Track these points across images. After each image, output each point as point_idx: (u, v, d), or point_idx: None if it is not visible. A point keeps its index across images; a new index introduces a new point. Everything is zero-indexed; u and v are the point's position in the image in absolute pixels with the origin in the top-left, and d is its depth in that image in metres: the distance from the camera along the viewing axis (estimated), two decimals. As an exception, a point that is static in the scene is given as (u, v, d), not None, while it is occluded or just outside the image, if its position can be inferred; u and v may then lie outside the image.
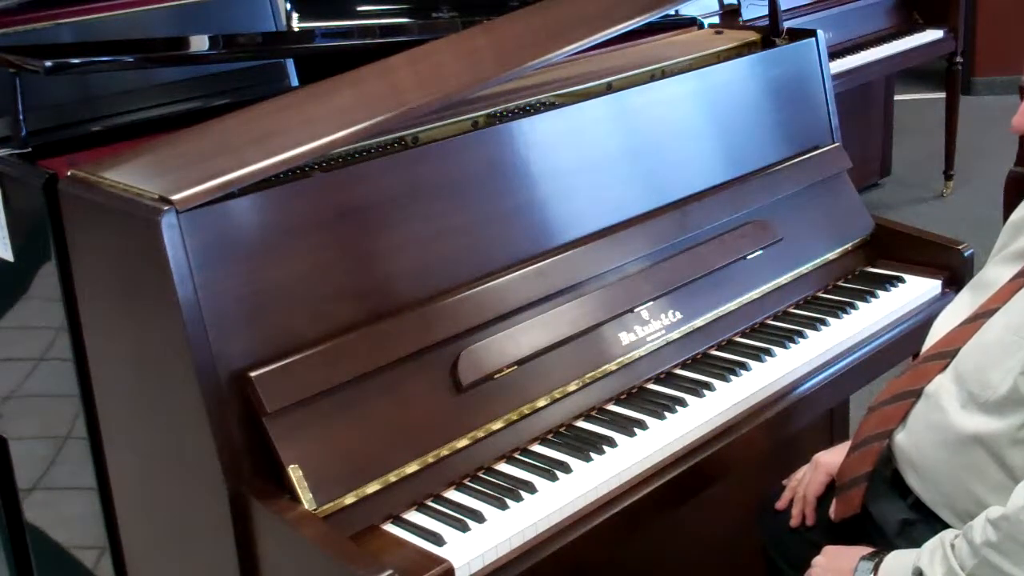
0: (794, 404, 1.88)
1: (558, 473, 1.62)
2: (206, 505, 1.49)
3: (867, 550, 1.52)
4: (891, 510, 1.62)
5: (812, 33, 2.36)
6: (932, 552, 1.41)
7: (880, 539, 1.61)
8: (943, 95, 5.06)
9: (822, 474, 1.77)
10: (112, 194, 1.52)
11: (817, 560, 1.57)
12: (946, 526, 1.52)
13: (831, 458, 1.76)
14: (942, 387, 1.56)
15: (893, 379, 1.67)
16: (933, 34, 4.72)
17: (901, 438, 1.60)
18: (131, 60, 2.00)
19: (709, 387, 1.83)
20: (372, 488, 1.52)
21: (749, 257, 2.06)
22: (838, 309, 2.08)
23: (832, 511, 1.69)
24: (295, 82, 2.34)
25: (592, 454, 1.66)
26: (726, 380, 1.85)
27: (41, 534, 2.04)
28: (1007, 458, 1.46)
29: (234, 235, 1.51)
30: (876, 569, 1.47)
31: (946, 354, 1.59)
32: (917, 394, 1.59)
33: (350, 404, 1.53)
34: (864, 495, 1.64)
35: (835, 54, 4.20)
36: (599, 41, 1.95)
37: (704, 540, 2.20)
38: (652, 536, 2.04)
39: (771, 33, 2.37)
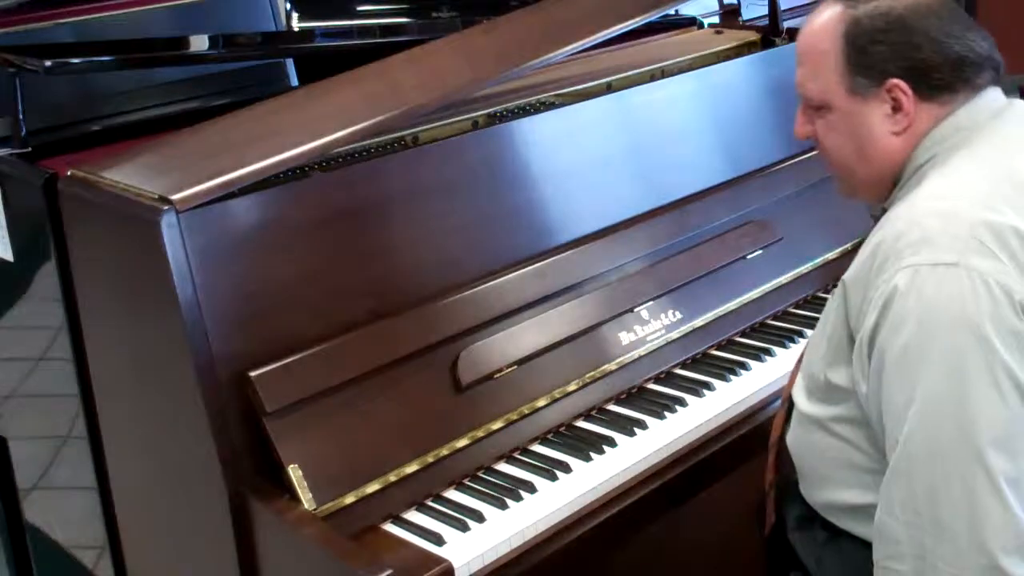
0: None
1: (558, 473, 1.62)
2: (206, 505, 1.49)
3: None
4: (792, 507, 1.63)
5: (812, 33, 2.36)
6: None
7: (785, 534, 1.62)
8: (943, 95, 5.04)
9: None
10: (112, 194, 1.52)
11: None
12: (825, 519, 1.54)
13: None
14: (797, 383, 1.58)
15: None
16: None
17: (788, 441, 1.61)
18: (131, 60, 2.00)
19: (709, 387, 1.83)
20: (372, 488, 1.52)
21: (749, 257, 2.06)
22: (838, 309, 2.08)
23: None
24: (295, 82, 2.34)
25: (592, 454, 1.66)
26: (726, 380, 1.85)
27: (41, 534, 2.04)
28: (842, 436, 1.47)
29: (234, 235, 1.51)
30: None
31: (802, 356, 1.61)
32: (789, 399, 1.61)
33: (350, 404, 1.53)
34: (777, 503, 1.65)
35: (835, 54, 4.19)
36: (599, 41, 1.95)
37: (704, 539, 2.19)
38: (652, 536, 2.04)
39: (771, 33, 2.37)
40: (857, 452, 1.44)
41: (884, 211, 1.48)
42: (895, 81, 1.39)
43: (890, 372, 1.31)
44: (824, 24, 1.44)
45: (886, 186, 1.47)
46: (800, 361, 1.62)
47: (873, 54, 1.40)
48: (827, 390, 1.46)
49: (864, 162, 1.46)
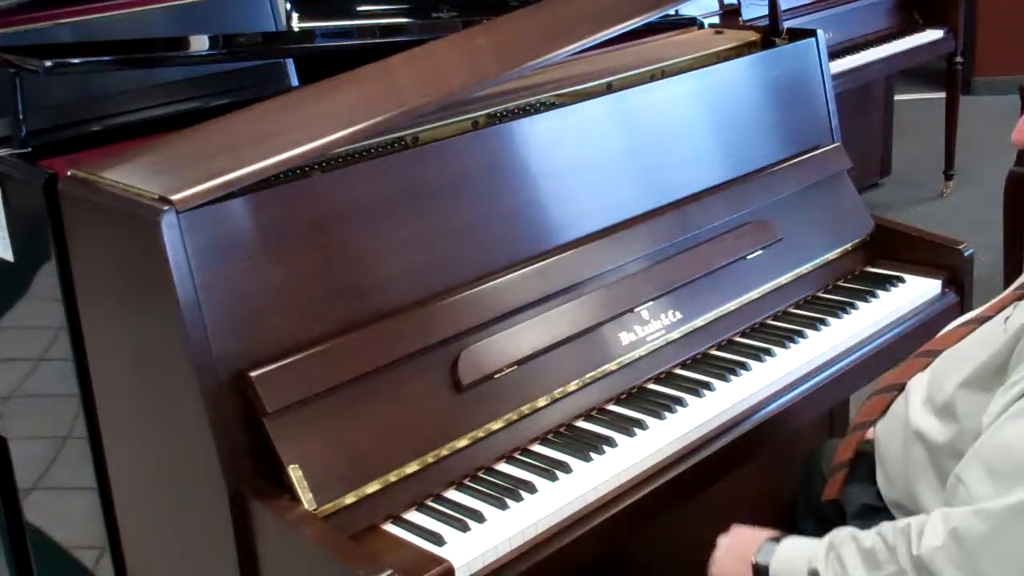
0: (794, 404, 1.88)
1: (558, 473, 1.62)
2: (206, 505, 1.49)
3: (775, 533, 1.52)
4: (857, 493, 1.63)
5: (812, 33, 2.36)
6: (827, 553, 1.40)
7: (840, 521, 1.62)
8: (943, 95, 5.05)
9: None
10: (112, 194, 1.52)
11: (720, 541, 1.58)
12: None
13: None
14: (917, 383, 1.56)
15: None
16: (933, 34, 4.72)
17: (879, 429, 1.60)
18: (131, 60, 2.00)
19: (709, 387, 1.83)
20: (372, 488, 1.52)
21: (749, 257, 2.06)
22: (838, 309, 2.08)
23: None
24: (295, 82, 2.34)
25: (592, 454, 1.66)
26: (726, 380, 1.85)
27: (41, 534, 2.04)
28: (943, 466, 1.46)
29: (234, 235, 1.51)
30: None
31: (932, 353, 1.59)
32: (900, 388, 1.60)
33: (350, 404, 1.53)
34: (844, 481, 1.64)
35: (835, 54, 4.20)
36: (599, 41, 1.95)
37: (704, 539, 2.19)
38: (652, 536, 2.04)
39: (771, 33, 2.37)
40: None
41: None
42: None
43: None
44: None
45: None
46: (916, 354, 1.60)
47: None
48: (947, 411, 1.44)
49: None
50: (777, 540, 1.49)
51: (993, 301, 1.59)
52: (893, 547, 1.32)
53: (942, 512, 1.31)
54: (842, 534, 1.41)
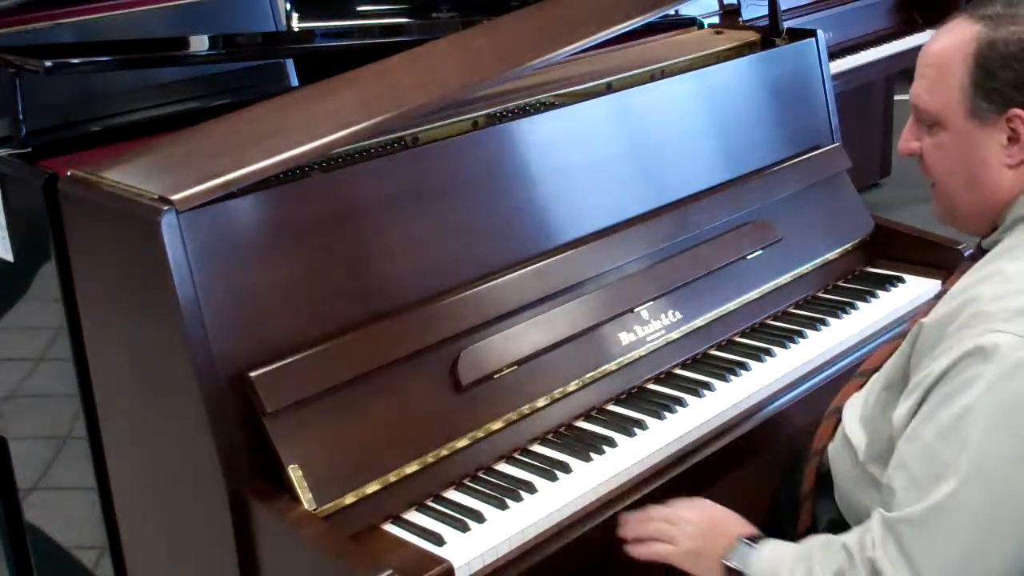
0: (794, 404, 1.88)
1: (558, 473, 1.62)
2: (206, 505, 1.49)
3: (747, 530, 1.49)
4: (826, 509, 1.63)
5: (812, 33, 2.37)
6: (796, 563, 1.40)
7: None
8: (943, 95, 5.04)
9: None
10: (112, 194, 1.52)
11: (687, 514, 1.52)
12: None
13: None
14: (853, 402, 1.57)
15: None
16: (933, 34, 4.72)
17: (830, 451, 1.60)
18: (131, 60, 2.00)
19: (709, 387, 1.83)
20: (372, 488, 1.52)
21: (749, 257, 2.06)
22: (838, 309, 2.08)
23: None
24: (295, 82, 2.34)
25: (592, 454, 1.66)
26: (726, 380, 1.85)
27: (41, 534, 2.04)
28: (867, 469, 1.47)
29: (234, 235, 1.51)
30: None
31: (866, 373, 1.60)
32: (838, 411, 1.61)
33: (350, 404, 1.53)
34: (812, 511, 1.65)
35: (835, 54, 4.19)
36: (599, 41, 1.95)
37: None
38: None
39: (771, 33, 2.37)
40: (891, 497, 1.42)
41: (981, 249, 1.45)
42: (1017, 111, 1.35)
43: (942, 424, 1.27)
44: (956, 40, 1.39)
45: (986, 220, 1.43)
46: (854, 375, 1.62)
47: (1001, 79, 1.34)
48: (869, 418, 1.46)
49: (969, 190, 1.41)
50: (751, 541, 1.46)
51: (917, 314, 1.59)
52: (852, 554, 1.34)
53: (879, 515, 1.34)
54: (815, 544, 1.41)
